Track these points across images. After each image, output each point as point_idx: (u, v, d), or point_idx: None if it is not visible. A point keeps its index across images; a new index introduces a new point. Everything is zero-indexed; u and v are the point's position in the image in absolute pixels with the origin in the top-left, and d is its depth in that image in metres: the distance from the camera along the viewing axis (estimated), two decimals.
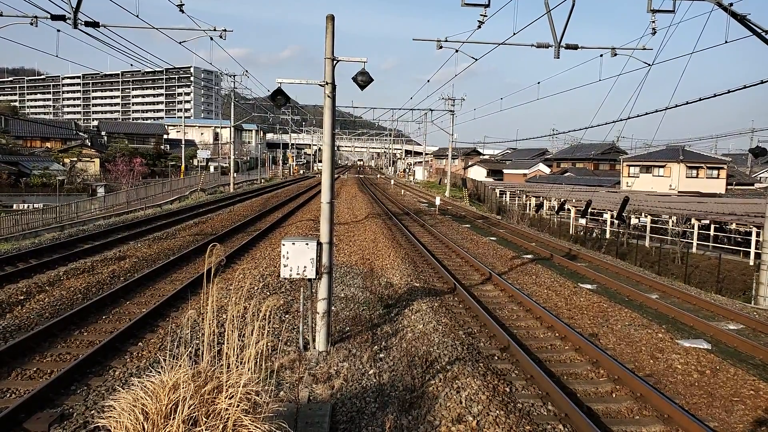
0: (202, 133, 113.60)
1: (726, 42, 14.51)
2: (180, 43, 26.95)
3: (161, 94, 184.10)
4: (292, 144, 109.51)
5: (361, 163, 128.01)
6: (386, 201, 44.36)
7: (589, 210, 29.70)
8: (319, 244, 9.10)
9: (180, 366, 4.61)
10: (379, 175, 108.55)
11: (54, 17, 18.74)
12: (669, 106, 16.91)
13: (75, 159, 57.49)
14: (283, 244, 8.84)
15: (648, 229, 32.01)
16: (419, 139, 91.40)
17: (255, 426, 4.34)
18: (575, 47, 19.05)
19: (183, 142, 65.58)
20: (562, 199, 35.88)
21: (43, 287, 12.78)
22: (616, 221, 31.48)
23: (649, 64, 18.45)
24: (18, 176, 48.40)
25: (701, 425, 7.13)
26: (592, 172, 72.61)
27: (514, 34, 19.10)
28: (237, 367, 4.75)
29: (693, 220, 30.08)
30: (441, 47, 21.61)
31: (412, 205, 42.30)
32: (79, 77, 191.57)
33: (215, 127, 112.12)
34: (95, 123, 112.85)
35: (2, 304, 11.29)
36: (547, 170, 79.85)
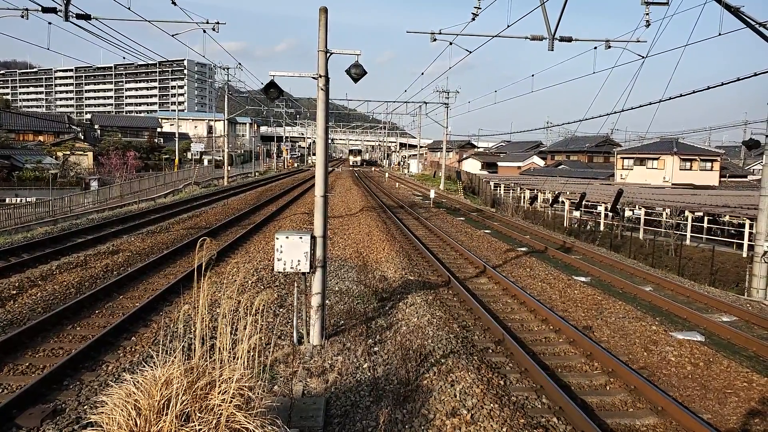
0: (195, 127, 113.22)
1: (720, 34, 14.53)
2: (173, 35, 26.71)
3: (155, 87, 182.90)
4: (287, 137, 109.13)
5: (359, 159, 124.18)
6: (381, 194, 44.32)
7: (584, 202, 29.77)
8: (313, 237, 9.08)
9: (173, 361, 4.59)
10: (373, 168, 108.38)
11: (45, 9, 18.61)
12: (663, 98, 16.91)
13: (68, 152, 57.08)
14: (277, 238, 8.81)
15: (642, 221, 32.10)
16: (414, 132, 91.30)
17: (248, 421, 4.32)
18: (569, 39, 19.03)
19: (177, 135, 65.22)
20: (557, 192, 35.95)
21: (35, 282, 12.72)
22: (610, 213, 31.56)
23: (643, 57, 18.45)
24: (10, 170, 48.09)
25: (695, 417, 7.15)
26: (586, 164, 72.68)
27: (509, 26, 19.06)
28: (230, 361, 4.73)
29: (686, 213, 30.16)
30: (435, 40, 21.55)
31: (406, 198, 42.28)
32: (71, 70, 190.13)
33: (209, 120, 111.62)
34: (88, 116, 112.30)
35: None
36: (542, 163, 79.93)
